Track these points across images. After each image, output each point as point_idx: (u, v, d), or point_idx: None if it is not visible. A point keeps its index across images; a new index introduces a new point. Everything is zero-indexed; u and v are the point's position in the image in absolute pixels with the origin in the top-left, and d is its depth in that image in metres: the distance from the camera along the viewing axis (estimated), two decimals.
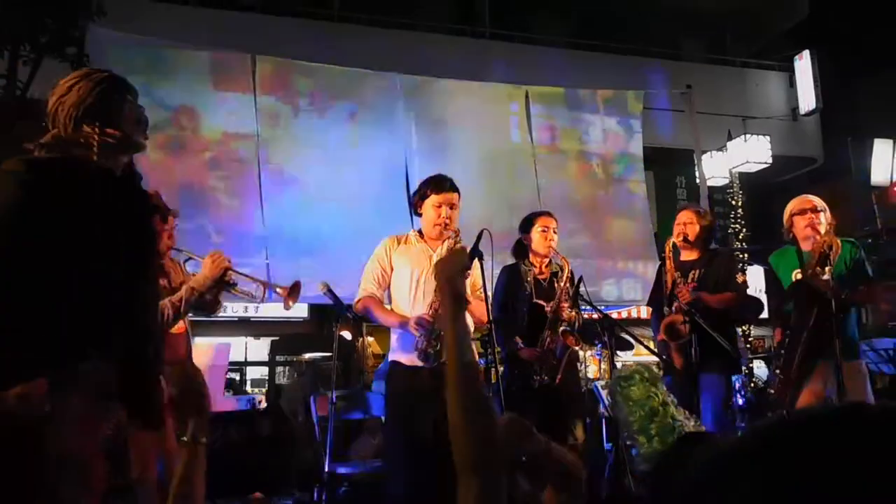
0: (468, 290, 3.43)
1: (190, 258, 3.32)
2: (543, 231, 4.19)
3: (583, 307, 4.15)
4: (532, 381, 3.97)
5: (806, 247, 3.99)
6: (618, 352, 4.23)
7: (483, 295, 3.32)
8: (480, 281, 3.34)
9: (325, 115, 6.71)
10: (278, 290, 3.30)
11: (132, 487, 2.66)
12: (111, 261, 1.95)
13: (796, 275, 3.96)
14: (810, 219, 3.94)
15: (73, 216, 1.91)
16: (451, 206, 3.51)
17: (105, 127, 2.04)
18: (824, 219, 3.95)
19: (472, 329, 3.59)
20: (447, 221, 3.48)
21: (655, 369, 2.12)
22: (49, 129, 2.06)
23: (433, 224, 3.50)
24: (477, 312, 3.43)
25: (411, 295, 3.47)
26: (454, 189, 3.54)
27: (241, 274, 3.28)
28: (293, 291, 3.30)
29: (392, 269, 3.54)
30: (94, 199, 1.97)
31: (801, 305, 3.79)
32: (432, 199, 3.51)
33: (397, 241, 3.61)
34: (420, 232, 3.62)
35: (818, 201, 4.02)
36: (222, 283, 3.10)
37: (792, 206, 4.10)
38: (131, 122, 2.13)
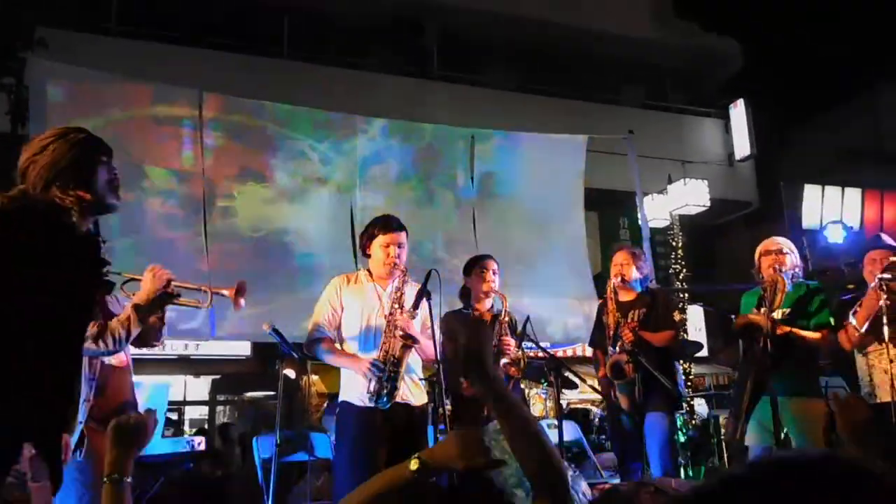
0: (418, 328, 3.44)
1: (130, 279, 3.22)
2: (483, 272, 4.27)
3: (529, 345, 4.20)
4: (479, 419, 3.97)
5: None
6: (563, 390, 4.27)
7: (432, 333, 3.36)
8: (430, 321, 3.35)
9: (272, 153, 6.67)
10: (224, 292, 3.24)
11: None
12: (60, 309, 1.97)
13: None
14: (773, 259, 4.06)
15: (33, 263, 1.92)
16: (399, 246, 3.55)
17: (78, 189, 2.06)
18: (790, 261, 4.05)
19: (420, 368, 3.60)
20: (396, 261, 3.51)
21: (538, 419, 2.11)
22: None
23: (382, 263, 3.53)
24: (427, 350, 3.46)
25: (362, 335, 3.47)
26: (401, 228, 3.59)
27: (182, 286, 3.22)
28: (239, 291, 3.25)
29: (342, 309, 3.54)
30: (52, 250, 1.99)
31: (746, 342, 3.90)
32: (380, 240, 3.54)
33: (347, 281, 3.62)
34: (369, 271, 3.63)
35: (785, 243, 4.13)
36: (166, 296, 3.05)
37: (760, 247, 4.21)
38: (104, 184, 2.16)
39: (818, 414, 3.78)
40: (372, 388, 3.29)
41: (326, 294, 3.59)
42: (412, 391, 3.46)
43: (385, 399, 3.28)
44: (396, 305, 3.40)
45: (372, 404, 3.28)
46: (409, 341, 3.32)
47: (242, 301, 3.26)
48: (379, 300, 3.51)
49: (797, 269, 4.05)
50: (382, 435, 3.24)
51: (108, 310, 3.19)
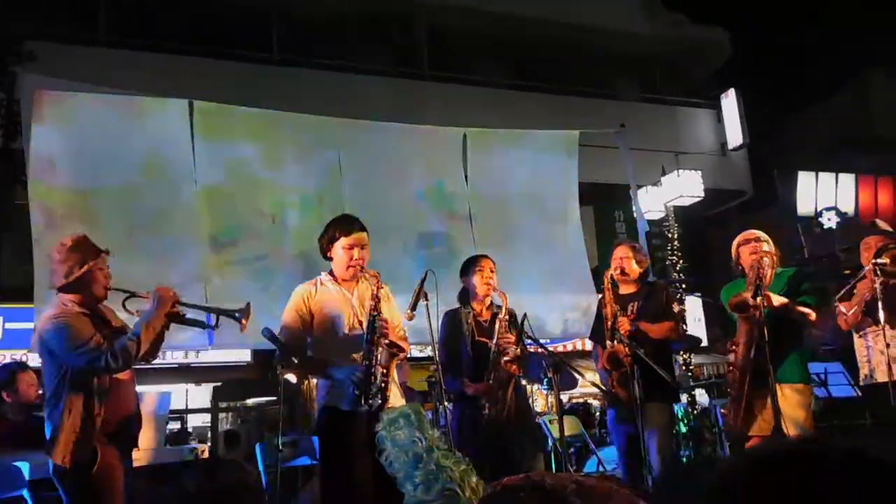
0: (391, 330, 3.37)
1: (131, 295, 3.26)
2: (480, 272, 4.27)
3: (528, 342, 4.21)
4: (481, 417, 3.98)
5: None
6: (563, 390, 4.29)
7: (403, 334, 3.42)
8: (428, 323, 3.34)
9: (263, 160, 6.65)
10: (235, 315, 3.29)
11: None
12: None
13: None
14: (754, 247, 4.08)
15: None
16: (362, 247, 3.43)
17: None
18: (768, 248, 4.09)
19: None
20: (361, 263, 3.40)
21: (423, 411, 2.00)
22: None
23: (346, 266, 3.41)
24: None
25: (334, 341, 3.37)
26: (363, 229, 3.47)
27: (189, 305, 3.27)
28: (246, 313, 3.30)
29: (312, 317, 3.42)
30: None
31: (740, 331, 3.92)
32: (342, 242, 3.43)
33: (314, 288, 3.49)
34: (332, 274, 3.51)
35: (761, 233, 4.18)
36: (172, 316, 3.12)
37: (738, 238, 4.24)
38: None
39: (803, 400, 3.87)
40: (355, 394, 3.20)
41: (293, 303, 3.45)
42: (395, 395, 3.38)
43: (373, 405, 3.18)
44: (375, 313, 3.30)
45: (364, 408, 3.19)
46: (395, 349, 3.26)
47: (245, 322, 3.30)
48: (349, 305, 3.42)
49: (775, 258, 4.08)
50: (367, 438, 3.20)
51: (110, 323, 3.20)
